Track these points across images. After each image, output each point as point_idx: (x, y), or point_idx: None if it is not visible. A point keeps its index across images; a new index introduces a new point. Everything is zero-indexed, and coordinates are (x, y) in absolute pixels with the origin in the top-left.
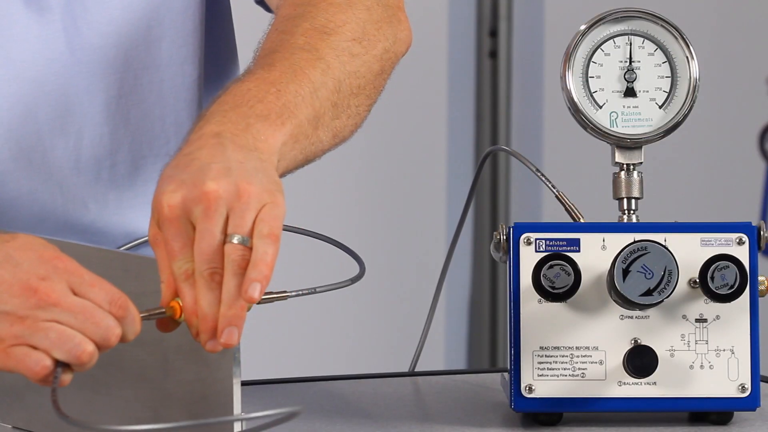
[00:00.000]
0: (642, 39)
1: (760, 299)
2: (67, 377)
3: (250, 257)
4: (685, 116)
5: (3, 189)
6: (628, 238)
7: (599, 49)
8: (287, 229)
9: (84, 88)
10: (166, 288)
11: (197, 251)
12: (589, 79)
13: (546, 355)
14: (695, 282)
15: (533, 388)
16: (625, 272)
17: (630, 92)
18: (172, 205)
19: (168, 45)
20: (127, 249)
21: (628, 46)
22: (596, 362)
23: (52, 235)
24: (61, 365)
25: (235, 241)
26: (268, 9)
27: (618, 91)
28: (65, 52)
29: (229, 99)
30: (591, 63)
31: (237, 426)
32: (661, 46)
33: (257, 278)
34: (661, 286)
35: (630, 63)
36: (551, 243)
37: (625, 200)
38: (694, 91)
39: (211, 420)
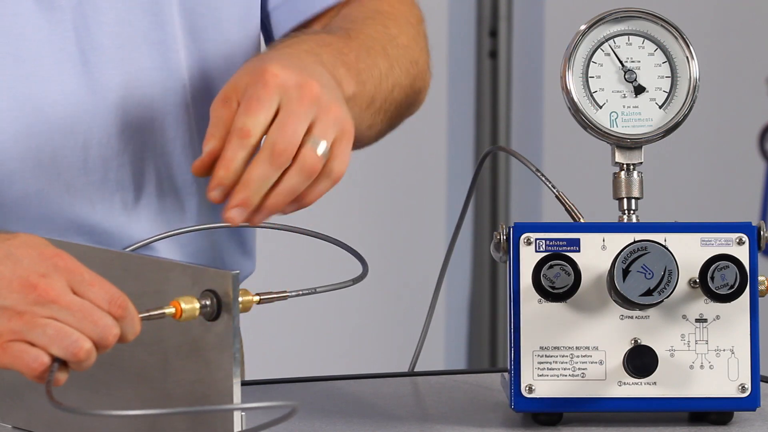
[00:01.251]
0: (642, 39)
1: (760, 299)
2: (63, 375)
3: (318, 169)
4: (685, 116)
5: (11, 188)
6: (628, 238)
7: (599, 49)
8: (289, 229)
9: (93, 89)
10: (211, 144)
11: (280, 126)
12: (589, 79)
13: (546, 355)
14: (695, 282)
15: (533, 388)
16: (625, 272)
17: (639, 89)
18: (278, 75)
19: (172, 45)
20: (132, 251)
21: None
22: (596, 362)
23: (59, 235)
24: (57, 361)
25: (319, 149)
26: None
27: (618, 91)
28: (75, 51)
29: (320, 38)
30: (591, 63)
31: (237, 426)
32: (661, 46)
33: (321, 191)
34: (661, 286)
35: (622, 66)
36: (551, 243)
37: (625, 200)
38: (694, 91)
39: (207, 408)
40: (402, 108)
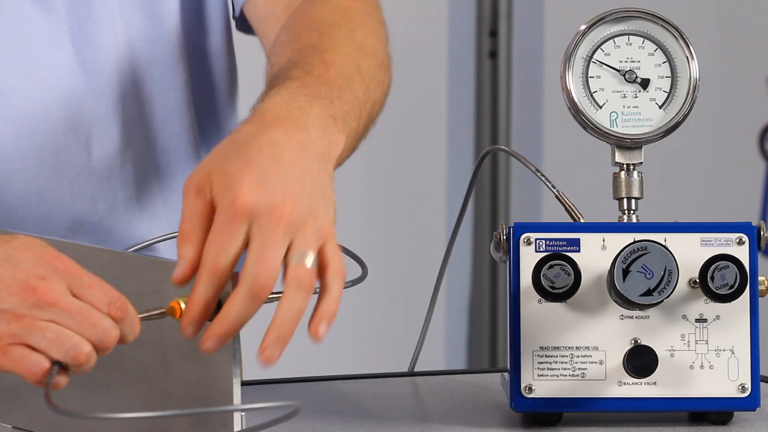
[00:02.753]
0: (642, 39)
1: (760, 299)
2: (63, 379)
3: (314, 283)
4: (685, 116)
5: (11, 188)
6: (628, 238)
7: (599, 49)
8: None
9: (92, 87)
10: (186, 237)
11: (256, 259)
12: (589, 79)
13: (546, 355)
14: (695, 282)
15: (533, 388)
16: (625, 272)
17: (645, 83)
18: (247, 204)
19: (172, 42)
20: (134, 251)
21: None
22: (596, 362)
23: (59, 235)
24: (58, 364)
25: (307, 262)
26: (242, 27)
27: (618, 91)
28: (71, 51)
29: (307, 85)
30: (591, 63)
31: (237, 426)
32: (661, 46)
33: (329, 315)
34: (661, 286)
35: (619, 71)
36: (551, 243)
37: (625, 200)
38: (694, 91)
39: (207, 410)
40: (376, 118)
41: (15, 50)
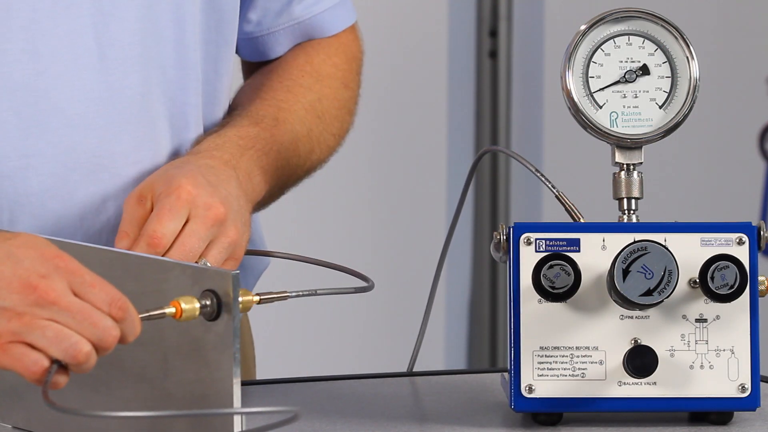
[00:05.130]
0: (642, 39)
1: (760, 299)
2: (62, 378)
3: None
4: (685, 116)
5: (25, 184)
6: (628, 238)
7: (599, 49)
8: (295, 258)
9: (110, 84)
10: (124, 239)
11: (181, 243)
12: (589, 79)
13: (546, 355)
14: (695, 282)
15: (533, 388)
16: (625, 272)
17: (645, 70)
18: (191, 193)
19: (191, 42)
20: None
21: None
22: (596, 362)
23: (69, 232)
24: (57, 363)
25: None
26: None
27: (618, 91)
28: (93, 47)
29: (244, 136)
30: (591, 63)
31: (237, 427)
32: (661, 46)
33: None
34: (661, 286)
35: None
36: (551, 243)
37: (625, 200)
38: (694, 91)
39: (208, 411)
40: (318, 167)
41: (31, 46)
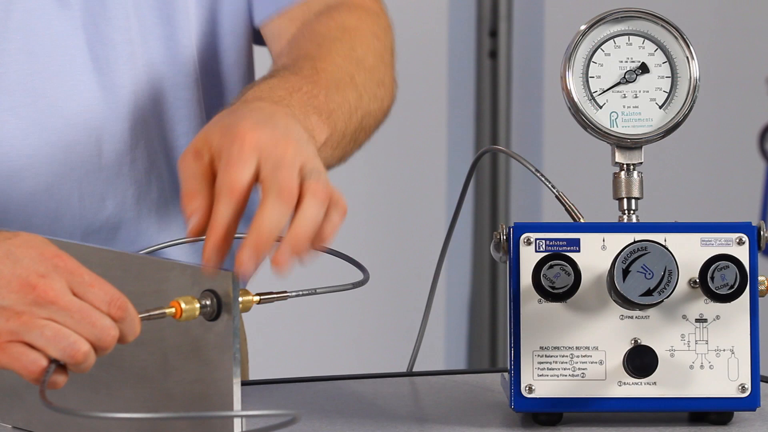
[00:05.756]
0: (642, 39)
1: (760, 299)
2: (61, 378)
3: (329, 195)
4: (685, 116)
5: (21, 185)
6: (628, 238)
7: (599, 49)
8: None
9: (105, 84)
10: (189, 198)
11: (273, 173)
12: (589, 79)
13: (546, 355)
14: (695, 282)
15: (533, 388)
16: (625, 272)
17: (644, 68)
18: (254, 134)
19: (182, 40)
20: (147, 253)
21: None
22: (596, 362)
23: (67, 232)
24: (55, 362)
25: (322, 177)
26: (256, 40)
27: (618, 92)
28: (84, 48)
29: (290, 82)
30: (591, 63)
31: (237, 428)
32: (661, 46)
33: (295, 241)
34: (661, 286)
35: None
36: (551, 243)
37: (625, 200)
38: (694, 91)
39: (206, 414)
40: (372, 131)
41: (27, 46)
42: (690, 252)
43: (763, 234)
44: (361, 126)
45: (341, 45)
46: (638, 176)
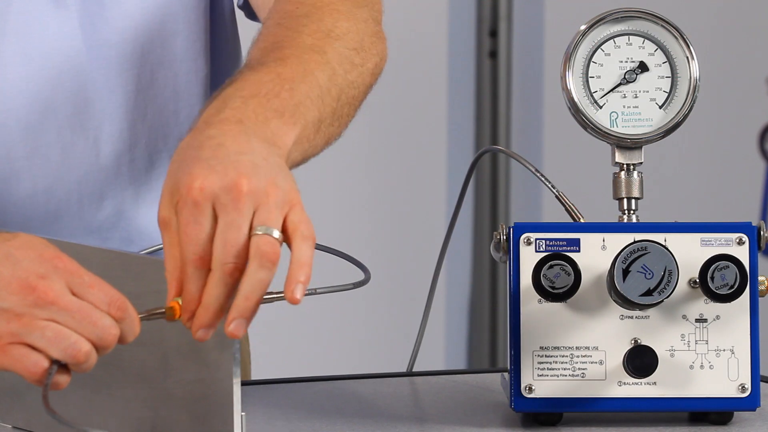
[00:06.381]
0: (642, 39)
1: (760, 299)
2: (63, 378)
3: (279, 253)
4: (685, 116)
5: (18, 187)
6: (628, 238)
7: (599, 49)
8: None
9: (102, 84)
10: (171, 274)
11: (222, 242)
12: (589, 79)
13: (546, 355)
14: (695, 282)
15: (533, 388)
16: (625, 272)
17: (643, 66)
18: (204, 188)
19: (182, 40)
20: (147, 253)
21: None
22: (596, 362)
23: (66, 233)
24: (56, 363)
25: (266, 233)
26: (249, 15)
27: (618, 91)
28: (82, 48)
29: (246, 86)
30: (591, 63)
31: (237, 428)
32: (661, 46)
33: (302, 280)
34: (661, 286)
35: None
36: (551, 243)
37: (625, 200)
38: (694, 91)
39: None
40: (360, 99)
41: (23, 48)
42: (690, 252)
43: (763, 234)
44: (341, 102)
45: (308, 21)
46: (638, 176)
